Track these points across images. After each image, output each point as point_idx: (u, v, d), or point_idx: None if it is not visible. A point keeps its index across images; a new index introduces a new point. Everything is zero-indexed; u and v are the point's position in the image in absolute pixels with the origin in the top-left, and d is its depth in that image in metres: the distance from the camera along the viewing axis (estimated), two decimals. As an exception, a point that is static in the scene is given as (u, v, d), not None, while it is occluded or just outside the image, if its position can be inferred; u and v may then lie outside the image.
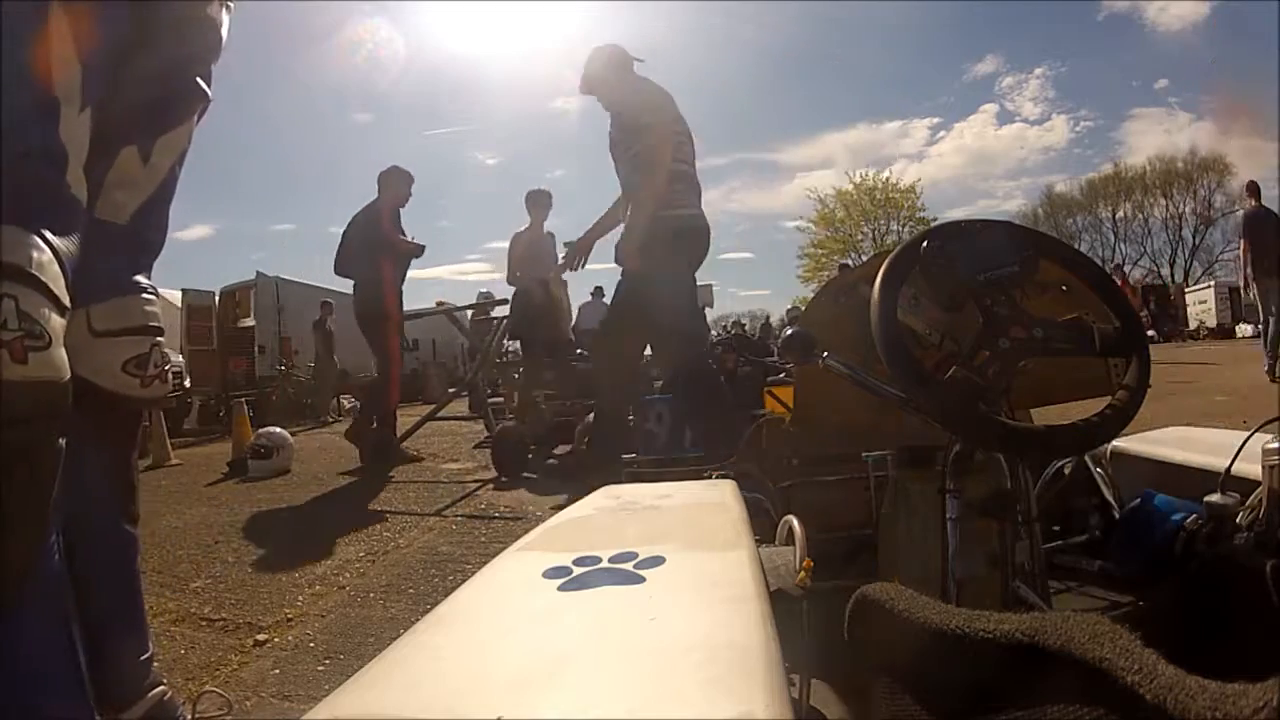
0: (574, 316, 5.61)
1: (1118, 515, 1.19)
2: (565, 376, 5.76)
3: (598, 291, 9.07)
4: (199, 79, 1.08)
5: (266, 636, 1.72)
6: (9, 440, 0.73)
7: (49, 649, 0.83)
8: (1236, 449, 0.98)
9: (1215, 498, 0.96)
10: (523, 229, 4.89)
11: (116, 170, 1.00)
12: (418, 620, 0.48)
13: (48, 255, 0.77)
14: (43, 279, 0.76)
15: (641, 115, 2.66)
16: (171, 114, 1.06)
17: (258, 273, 11.35)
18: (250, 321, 10.88)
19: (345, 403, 9.60)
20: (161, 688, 1.06)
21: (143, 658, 1.05)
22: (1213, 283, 20.43)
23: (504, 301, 5.15)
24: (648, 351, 3.35)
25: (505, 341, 4.92)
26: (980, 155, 36.67)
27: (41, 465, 0.77)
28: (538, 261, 4.73)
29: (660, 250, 2.60)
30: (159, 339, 1.07)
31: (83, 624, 0.91)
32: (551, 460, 3.95)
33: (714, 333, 3.86)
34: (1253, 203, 5.82)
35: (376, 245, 4.24)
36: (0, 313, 0.72)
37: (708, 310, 4.07)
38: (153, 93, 1.01)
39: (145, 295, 1.06)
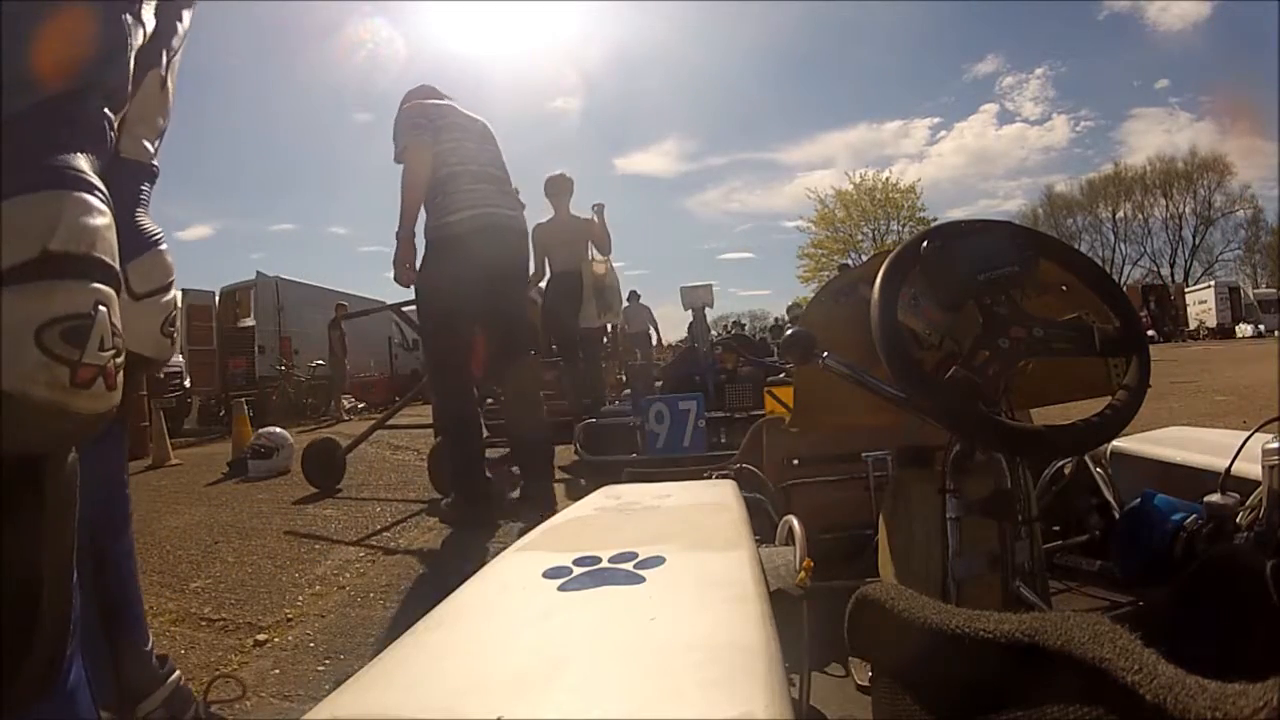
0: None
1: (1118, 515, 1.19)
2: (567, 376, 5.70)
3: (633, 296, 9.00)
4: None
5: (266, 636, 1.72)
6: (71, 475, 0.62)
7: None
8: (1236, 449, 0.98)
9: (1215, 498, 0.96)
10: (545, 220, 4.61)
11: (141, 100, 0.88)
12: (418, 620, 0.48)
13: (114, 235, 0.62)
14: (116, 267, 0.61)
15: (398, 150, 2.62)
16: (178, 28, 0.96)
17: (258, 273, 11.37)
18: (250, 321, 10.90)
19: (345, 403, 9.60)
20: (177, 673, 1.04)
21: (148, 646, 1.03)
22: (1213, 283, 20.47)
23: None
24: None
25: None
26: (980, 155, 36.73)
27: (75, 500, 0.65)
28: (567, 249, 4.50)
29: (433, 262, 2.57)
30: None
31: (101, 618, 0.89)
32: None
33: (714, 333, 3.79)
34: None
35: None
36: (95, 328, 0.56)
37: (708, 310, 3.90)
38: (168, 10, 0.91)
39: (164, 244, 0.96)
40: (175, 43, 0.95)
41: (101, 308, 0.57)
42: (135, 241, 0.90)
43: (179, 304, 0.98)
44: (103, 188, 0.62)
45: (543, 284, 4.71)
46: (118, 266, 0.61)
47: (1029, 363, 0.84)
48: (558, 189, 4.62)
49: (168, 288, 0.95)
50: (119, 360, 0.60)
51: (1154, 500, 1.07)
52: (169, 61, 0.93)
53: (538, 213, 4.59)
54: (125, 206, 0.89)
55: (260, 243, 42.98)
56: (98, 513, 0.89)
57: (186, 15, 0.97)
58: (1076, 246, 1.00)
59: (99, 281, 0.58)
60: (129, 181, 0.91)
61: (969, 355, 0.82)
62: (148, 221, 0.94)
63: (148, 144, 0.93)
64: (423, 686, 0.38)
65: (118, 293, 0.61)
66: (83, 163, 0.60)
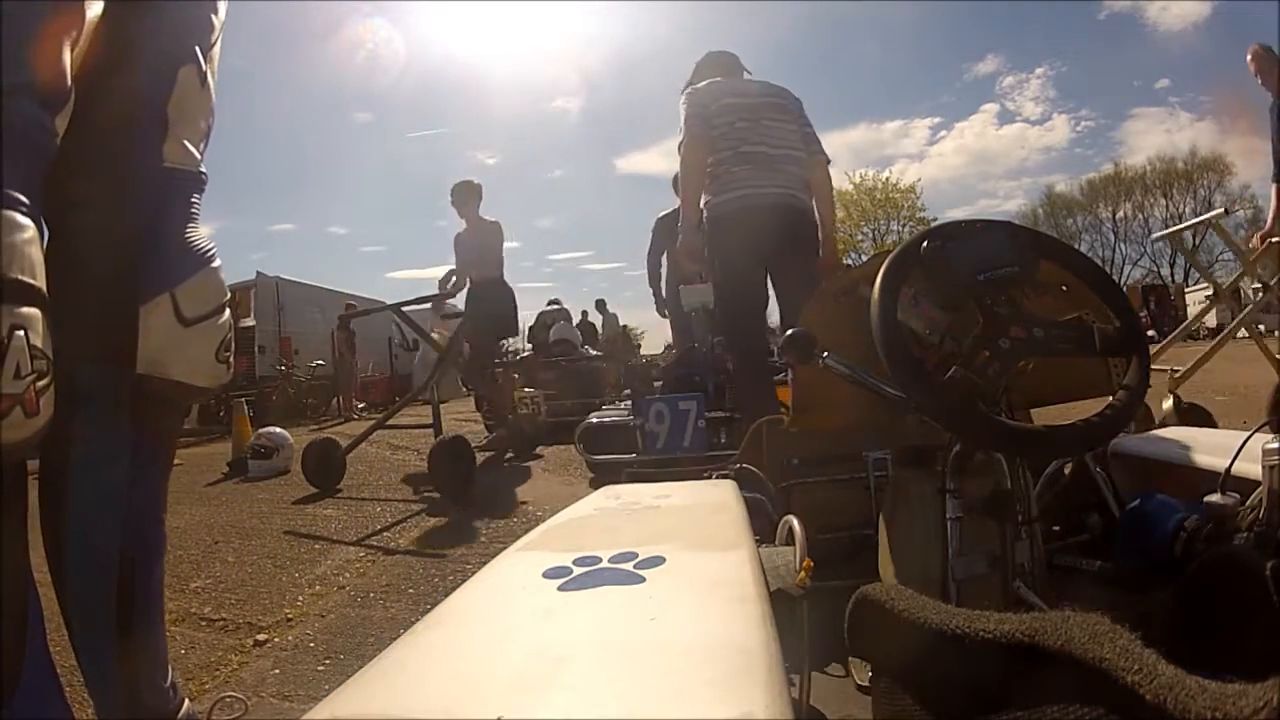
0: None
1: (1118, 515, 1.19)
2: (566, 377, 5.68)
3: (600, 305, 9.27)
4: None
5: (266, 636, 1.72)
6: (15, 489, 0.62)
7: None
8: (1236, 449, 0.98)
9: (1215, 498, 0.96)
10: (461, 229, 4.56)
11: (179, 100, 0.82)
12: (418, 620, 0.48)
13: (38, 249, 0.59)
14: (38, 285, 0.59)
15: (680, 143, 2.58)
16: (213, 22, 0.88)
17: (258, 273, 11.37)
18: (250, 321, 10.89)
19: (356, 402, 9.62)
20: (188, 704, 0.99)
21: (167, 683, 0.95)
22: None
23: (451, 294, 4.83)
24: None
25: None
26: (981, 155, 36.79)
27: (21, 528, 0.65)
28: (484, 259, 4.46)
29: (709, 242, 2.55)
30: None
31: (119, 646, 0.84)
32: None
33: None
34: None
35: None
36: (8, 354, 0.55)
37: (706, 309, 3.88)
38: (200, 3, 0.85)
39: (217, 259, 0.87)
40: (211, 37, 0.88)
41: (19, 332, 0.55)
42: (184, 261, 0.83)
43: (232, 325, 0.89)
44: (26, 200, 0.59)
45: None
46: (40, 283, 0.59)
47: (1029, 363, 0.84)
48: (468, 194, 4.51)
49: (221, 309, 0.87)
50: (41, 383, 0.58)
51: (1154, 500, 1.07)
52: (205, 56, 0.86)
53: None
54: (174, 222, 0.83)
55: (260, 243, 42.96)
56: (127, 544, 0.84)
57: (222, 7, 0.90)
58: (1076, 246, 1.00)
59: (17, 304, 0.56)
60: (176, 193, 0.84)
61: (969, 355, 0.82)
62: (198, 237, 0.86)
63: (192, 148, 0.85)
64: (423, 686, 0.38)
65: (43, 310, 0.59)
66: (5, 175, 0.58)
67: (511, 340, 5.54)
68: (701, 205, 2.56)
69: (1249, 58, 3.43)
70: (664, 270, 4.60)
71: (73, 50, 0.68)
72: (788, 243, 2.46)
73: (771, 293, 2.60)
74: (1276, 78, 3.32)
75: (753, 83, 2.69)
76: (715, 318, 2.75)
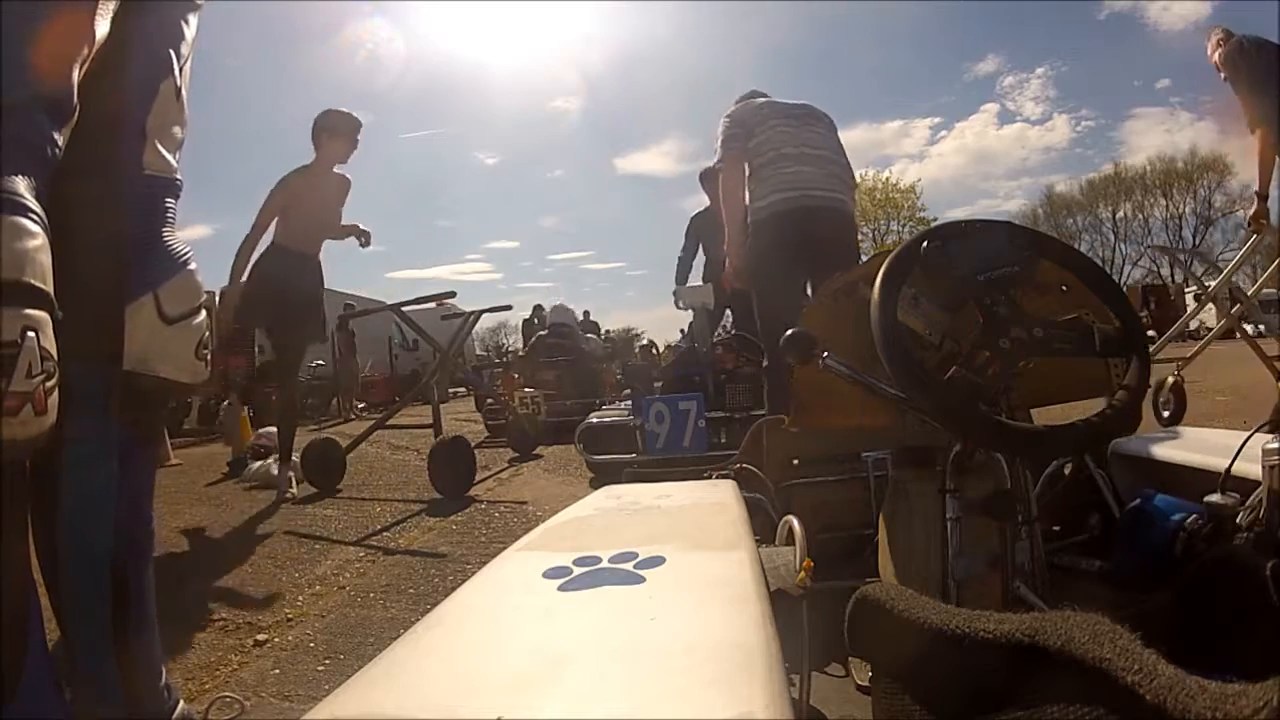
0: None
1: (1118, 515, 1.19)
2: (566, 377, 5.67)
3: (584, 316, 9.30)
4: None
5: (266, 636, 1.72)
6: (16, 486, 0.64)
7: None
8: (1237, 449, 0.98)
9: (1215, 498, 0.96)
10: (301, 169, 3.45)
11: (159, 111, 0.86)
12: (418, 620, 0.48)
13: (48, 256, 0.62)
14: (48, 290, 0.61)
15: (716, 163, 2.66)
16: (185, 33, 0.91)
17: (258, 272, 11.34)
18: (250, 321, 10.87)
19: (358, 403, 9.62)
20: (183, 705, 1.00)
21: (162, 682, 0.97)
22: (1213, 283, 20.48)
23: (450, 294, 4.64)
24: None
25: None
26: (981, 155, 36.86)
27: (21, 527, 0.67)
28: (325, 222, 3.52)
29: (750, 247, 2.54)
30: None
31: (116, 647, 0.85)
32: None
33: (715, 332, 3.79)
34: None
35: None
36: (21, 355, 0.57)
37: (706, 309, 3.84)
38: (171, 13, 0.89)
39: (193, 262, 0.91)
40: (184, 49, 0.91)
41: (30, 334, 0.58)
42: (165, 263, 0.87)
43: (210, 325, 0.94)
44: (37, 208, 0.61)
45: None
46: (49, 288, 0.61)
47: (1029, 362, 0.84)
48: (337, 127, 3.46)
49: (199, 309, 0.91)
50: (49, 384, 0.60)
51: (1154, 500, 1.07)
52: (180, 69, 0.90)
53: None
54: (152, 225, 0.87)
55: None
56: (119, 545, 0.86)
57: (193, 19, 0.93)
58: (1076, 246, 1.00)
59: (29, 307, 0.58)
60: (154, 198, 0.88)
61: (969, 355, 0.82)
62: (175, 240, 0.90)
63: (169, 156, 0.89)
64: (423, 686, 0.38)
65: (51, 314, 0.61)
66: (17, 184, 0.60)
67: (510, 340, 5.52)
68: (748, 204, 2.54)
69: (1211, 44, 3.17)
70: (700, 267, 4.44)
71: (81, 68, 0.70)
72: (834, 249, 2.38)
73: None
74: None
75: (793, 103, 2.71)
76: (757, 318, 2.62)
